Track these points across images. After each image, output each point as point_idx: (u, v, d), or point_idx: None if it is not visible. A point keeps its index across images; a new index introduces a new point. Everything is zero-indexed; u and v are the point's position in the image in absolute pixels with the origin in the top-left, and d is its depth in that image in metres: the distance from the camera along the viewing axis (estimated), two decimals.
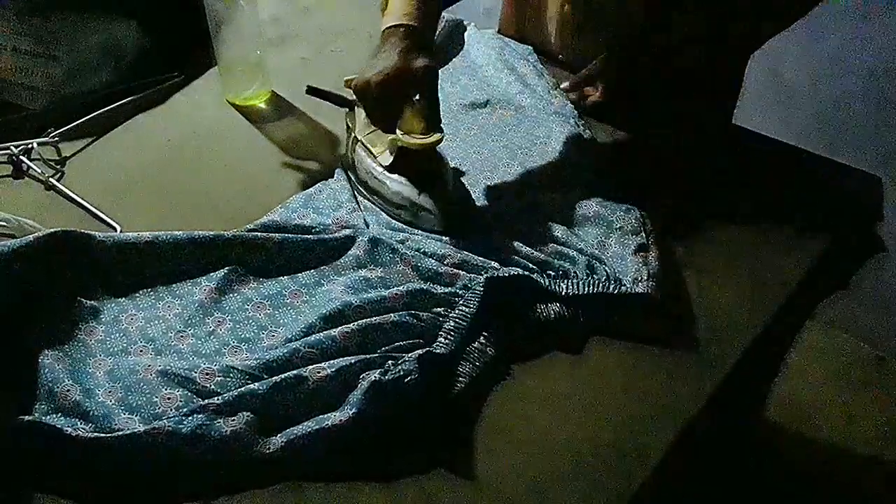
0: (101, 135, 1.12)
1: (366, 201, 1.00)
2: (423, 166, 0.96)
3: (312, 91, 1.05)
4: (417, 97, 0.92)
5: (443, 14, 1.30)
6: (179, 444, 0.71)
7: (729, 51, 1.15)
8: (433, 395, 0.78)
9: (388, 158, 0.97)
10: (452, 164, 1.06)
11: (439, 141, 0.94)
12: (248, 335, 0.84)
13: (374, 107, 0.95)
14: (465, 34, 1.30)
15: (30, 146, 1.06)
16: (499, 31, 1.34)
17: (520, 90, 1.17)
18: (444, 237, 0.93)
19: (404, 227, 0.95)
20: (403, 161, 0.96)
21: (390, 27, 0.95)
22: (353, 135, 1.02)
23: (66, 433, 0.70)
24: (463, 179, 1.04)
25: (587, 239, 0.94)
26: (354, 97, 0.99)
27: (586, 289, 0.87)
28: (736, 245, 0.97)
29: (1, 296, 0.80)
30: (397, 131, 0.93)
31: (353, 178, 1.02)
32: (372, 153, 1.00)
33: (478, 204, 1.00)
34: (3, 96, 1.14)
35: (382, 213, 0.98)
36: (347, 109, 1.05)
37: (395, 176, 0.97)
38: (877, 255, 1.07)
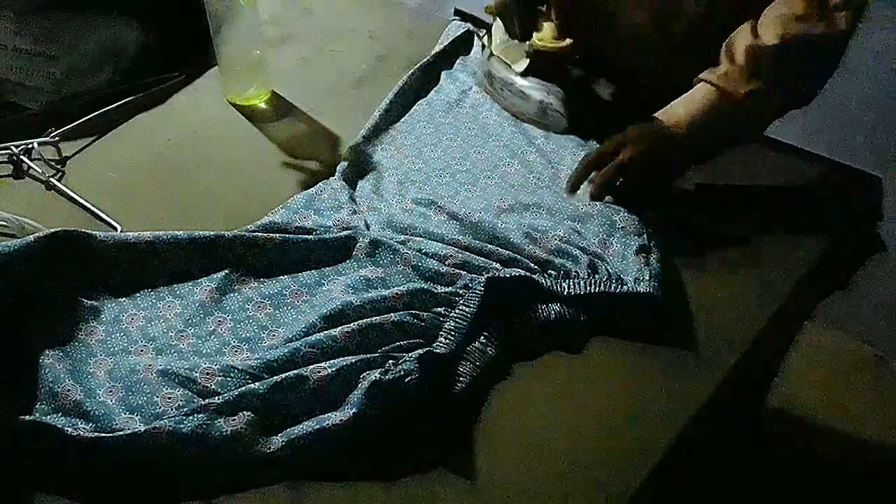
0: (101, 135, 1.12)
1: (373, 206, 1.01)
2: (552, 71, 1.14)
3: (459, 13, 1.32)
4: (550, 10, 1.10)
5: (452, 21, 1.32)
6: (180, 444, 0.71)
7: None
8: (434, 394, 0.78)
9: (521, 66, 1.15)
10: (453, 164, 1.06)
11: (569, 46, 1.10)
12: (248, 335, 0.84)
13: (514, 19, 1.10)
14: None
15: (30, 146, 1.06)
16: None
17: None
18: (445, 239, 0.93)
19: (406, 227, 0.95)
20: (536, 66, 1.14)
21: None
22: (488, 51, 1.20)
23: (66, 433, 0.71)
24: (460, 178, 1.04)
25: (589, 237, 0.94)
26: (492, 20, 1.21)
27: (588, 288, 0.87)
28: (736, 245, 0.97)
29: (1, 296, 0.80)
30: (533, 38, 1.11)
31: (488, 87, 1.19)
32: (507, 64, 1.17)
33: (478, 202, 1.00)
34: (3, 96, 1.14)
35: (383, 210, 0.98)
36: (485, 31, 1.26)
37: (528, 80, 1.14)
38: (877, 255, 1.07)
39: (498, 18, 1.16)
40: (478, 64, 1.23)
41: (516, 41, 1.14)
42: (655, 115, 1.00)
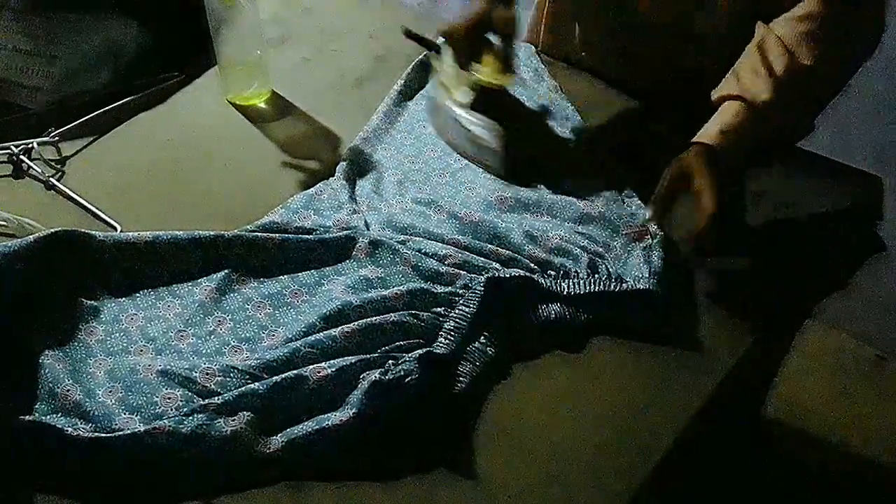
0: (101, 135, 1.12)
1: (376, 210, 1.01)
2: (496, 108, 1.05)
3: (408, 34, 1.17)
4: (498, 42, 1.03)
5: None
6: (180, 444, 0.71)
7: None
8: (434, 394, 0.78)
9: (465, 97, 1.06)
10: (453, 164, 1.06)
11: (510, 83, 1.04)
12: (248, 335, 0.84)
13: (459, 47, 1.05)
14: None
15: (30, 146, 1.06)
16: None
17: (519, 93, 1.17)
18: (445, 238, 0.92)
19: (405, 227, 0.95)
20: (480, 101, 1.05)
21: None
22: (438, 77, 1.11)
23: (66, 433, 0.71)
24: (460, 177, 1.03)
25: (590, 236, 0.94)
26: (442, 42, 1.10)
27: (587, 288, 0.87)
28: (736, 245, 0.97)
29: (1, 296, 0.80)
30: (476, 69, 1.03)
31: (431, 115, 1.10)
32: (451, 93, 1.07)
33: (478, 200, 1.00)
34: (3, 96, 1.14)
35: (383, 210, 0.98)
36: (434, 52, 1.14)
37: (469, 114, 1.04)
38: (877, 255, 1.07)
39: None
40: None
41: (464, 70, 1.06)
42: (693, 141, 0.94)
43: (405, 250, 0.90)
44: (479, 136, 1.02)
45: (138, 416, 0.74)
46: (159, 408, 0.75)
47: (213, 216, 0.97)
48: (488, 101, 1.05)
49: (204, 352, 0.82)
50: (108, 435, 0.71)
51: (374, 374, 0.76)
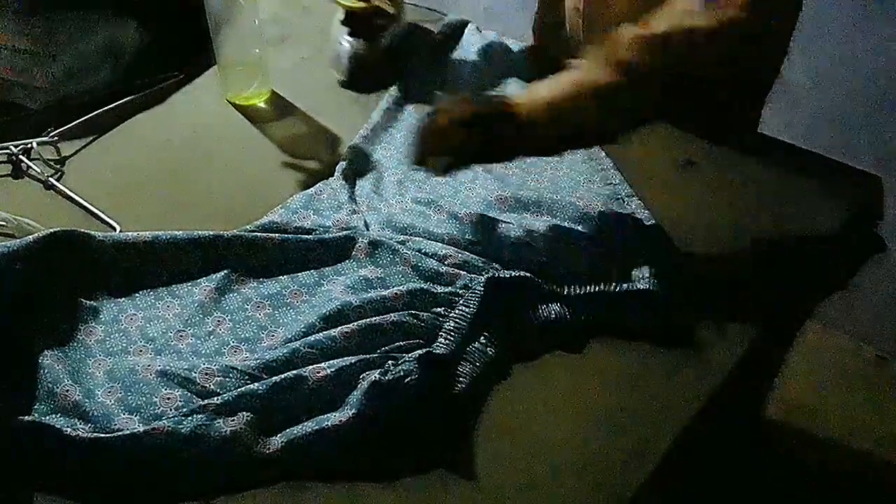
0: (101, 135, 1.12)
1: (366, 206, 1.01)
2: (360, 27, 1.20)
3: None
4: None
5: (446, 15, 1.31)
6: (179, 444, 0.71)
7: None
8: (434, 394, 0.78)
9: (340, 17, 1.21)
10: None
11: (363, 8, 1.17)
12: (247, 335, 0.84)
13: None
14: (465, 31, 1.30)
15: (29, 146, 1.06)
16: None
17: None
18: (445, 238, 0.92)
19: (405, 227, 0.95)
20: (349, 20, 1.20)
21: None
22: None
23: (65, 433, 0.71)
24: (460, 177, 1.03)
25: (590, 236, 0.94)
26: None
27: (588, 288, 0.87)
28: (736, 245, 0.97)
29: (1, 296, 0.80)
30: None
31: None
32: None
33: (476, 196, 0.99)
34: (3, 96, 1.14)
35: (382, 210, 0.98)
36: None
37: (340, 31, 1.21)
38: (877, 255, 1.07)
39: None
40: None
41: None
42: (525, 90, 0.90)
43: (405, 250, 0.90)
44: (338, 49, 1.19)
45: (138, 417, 0.74)
46: (159, 408, 0.75)
47: (213, 216, 0.97)
48: (356, 22, 1.19)
49: (203, 352, 0.82)
50: (108, 435, 0.71)
51: (374, 375, 0.76)
